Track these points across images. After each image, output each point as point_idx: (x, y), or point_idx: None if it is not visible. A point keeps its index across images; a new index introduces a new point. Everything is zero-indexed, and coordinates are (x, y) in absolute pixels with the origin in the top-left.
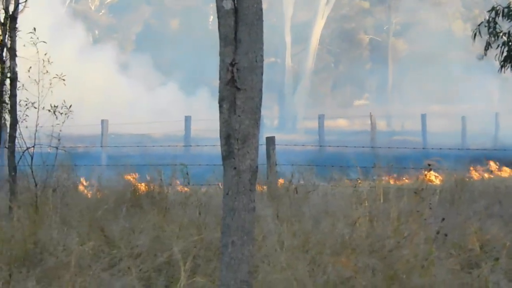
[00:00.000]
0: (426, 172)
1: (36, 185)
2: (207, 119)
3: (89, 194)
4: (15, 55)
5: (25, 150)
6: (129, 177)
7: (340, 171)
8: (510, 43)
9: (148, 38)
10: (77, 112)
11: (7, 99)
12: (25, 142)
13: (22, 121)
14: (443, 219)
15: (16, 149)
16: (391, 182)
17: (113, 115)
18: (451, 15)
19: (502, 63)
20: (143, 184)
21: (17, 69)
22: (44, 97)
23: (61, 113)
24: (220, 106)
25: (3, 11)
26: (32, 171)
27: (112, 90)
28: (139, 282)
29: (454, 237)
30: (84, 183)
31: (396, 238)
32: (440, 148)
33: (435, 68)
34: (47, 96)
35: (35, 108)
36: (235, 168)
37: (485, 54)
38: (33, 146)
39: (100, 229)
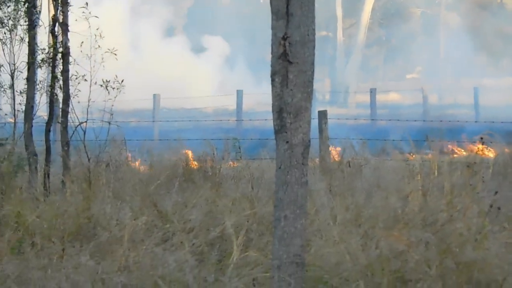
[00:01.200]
0: (479, 145)
1: (89, 160)
2: (259, 93)
3: (141, 169)
4: (67, 30)
5: (77, 125)
6: (181, 151)
7: (392, 144)
8: None
9: (199, 11)
10: (129, 87)
11: (59, 74)
12: (77, 117)
13: (74, 96)
14: (496, 192)
15: (68, 124)
16: (444, 155)
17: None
18: None
19: None
20: (195, 158)
21: (69, 44)
22: (96, 71)
23: (113, 88)
24: (272, 80)
25: None
26: (84, 146)
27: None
28: (192, 256)
29: (508, 210)
30: (137, 158)
31: (449, 212)
32: (493, 122)
33: (487, 41)
34: (99, 70)
35: (86, 80)
36: (287, 142)
37: None
38: (86, 121)
39: (152, 204)
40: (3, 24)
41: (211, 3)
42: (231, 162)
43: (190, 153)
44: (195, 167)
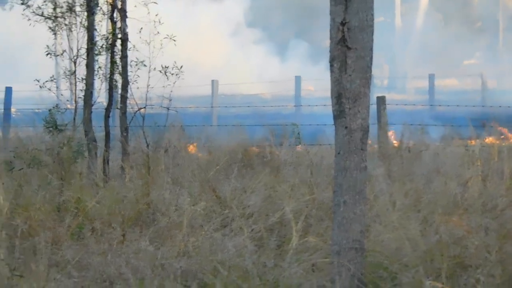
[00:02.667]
0: None
1: (147, 145)
2: (317, 79)
3: (200, 155)
4: (126, 16)
5: (136, 111)
6: (240, 137)
7: (451, 130)
8: None
9: None
10: (187, 73)
11: (118, 60)
12: (136, 103)
13: (133, 82)
14: None
15: (127, 110)
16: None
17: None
18: None
19: None
20: (254, 144)
21: (128, 30)
22: (155, 57)
23: (172, 74)
24: (331, 66)
25: None
26: (143, 132)
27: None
28: (251, 242)
29: None
30: (195, 144)
31: (509, 197)
32: None
33: None
34: (158, 56)
35: (145, 66)
36: (346, 127)
37: None
38: (145, 107)
39: (211, 189)
40: (71, 9)
41: None
42: (290, 148)
43: (249, 138)
44: (254, 152)
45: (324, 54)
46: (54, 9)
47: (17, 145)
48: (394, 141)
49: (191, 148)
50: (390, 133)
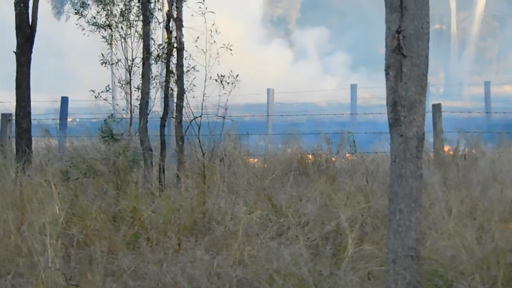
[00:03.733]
0: None
1: (203, 154)
2: (372, 87)
3: (255, 163)
4: (182, 26)
5: (192, 120)
6: (296, 145)
7: (507, 137)
8: None
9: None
10: (243, 81)
11: (174, 69)
12: (192, 112)
13: (189, 91)
14: None
15: (183, 119)
16: None
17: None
18: None
19: None
20: (310, 152)
21: (184, 39)
22: (211, 66)
23: (228, 83)
24: (387, 74)
25: None
26: (199, 141)
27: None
28: (307, 250)
29: None
30: (251, 152)
31: None
32: None
33: None
34: (214, 65)
35: (197, 71)
36: (401, 135)
37: None
38: (200, 116)
39: (267, 198)
40: (124, 18)
41: None
42: (346, 156)
43: (305, 147)
44: (309, 161)
45: (381, 62)
46: (108, 18)
47: (73, 155)
48: (450, 149)
49: (247, 157)
50: (445, 141)
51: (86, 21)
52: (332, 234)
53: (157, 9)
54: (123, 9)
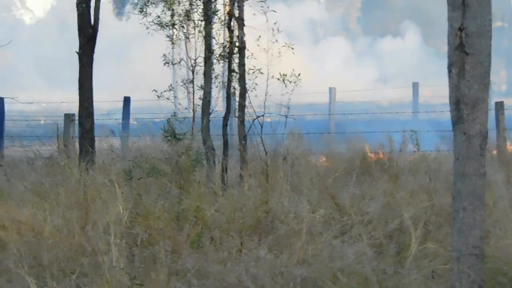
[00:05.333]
0: None
1: (266, 153)
2: (435, 85)
3: (318, 162)
4: (243, 25)
5: (254, 119)
6: (358, 144)
7: None
8: None
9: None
10: (305, 80)
11: (236, 69)
12: (254, 111)
13: (251, 90)
14: None
15: (245, 118)
16: None
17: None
18: None
19: None
20: (372, 151)
21: (245, 38)
22: (273, 66)
23: (290, 82)
24: (449, 72)
25: None
26: (262, 140)
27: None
28: (370, 248)
29: None
30: (313, 151)
31: None
32: None
33: None
34: (276, 64)
35: (262, 73)
36: (465, 133)
37: None
38: (263, 115)
39: (330, 197)
40: (188, 18)
41: None
42: (408, 154)
43: (367, 145)
44: (372, 159)
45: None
46: (172, 17)
47: (136, 155)
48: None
49: (310, 156)
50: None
51: (150, 20)
52: (395, 233)
53: (219, 9)
54: (187, 9)
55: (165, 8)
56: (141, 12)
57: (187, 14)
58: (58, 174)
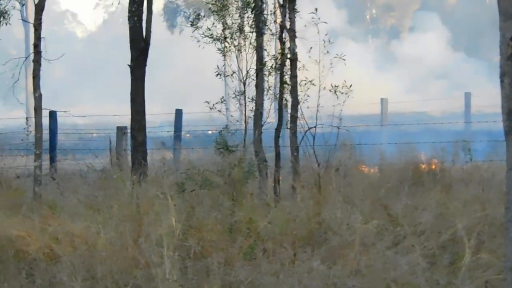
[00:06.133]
0: None
1: (318, 165)
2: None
3: (371, 173)
4: (295, 36)
5: (307, 130)
6: (410, 155)
7: None
8: None
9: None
10: (356, 91)
11: (288, 80)
12: (306, 122)
13: (303, 102)
14: None
15: (298, 129)
16: None
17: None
18: None
19: None
20: (424, 161)
21: (297, 50)
22: (325, 77)
23: (342, 93)
24: (501, 81)
25: None
26: (314, 151)
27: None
28: (423, 259)
29: None
30: (366, 162)
31: None
32: None
33: None
34: (328, 76)
35: (314, 85)
36: None
37: None
38: (315, 126)
39: (383, 207)
40: (239, 30)
41: (437, 5)
42: (461, 164)
43: (419, 156)
44: (424, 170)
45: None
46: (223, 30)
47: (189, 167)
48: None
49: (362, 167)
50: None
51: (201, 33)
52: (448, 243)
53: (270, 21)
54: (238, 21)
55: (215, 21)
56: (192, 25)
57: (238, 26)
58: (111, 187)
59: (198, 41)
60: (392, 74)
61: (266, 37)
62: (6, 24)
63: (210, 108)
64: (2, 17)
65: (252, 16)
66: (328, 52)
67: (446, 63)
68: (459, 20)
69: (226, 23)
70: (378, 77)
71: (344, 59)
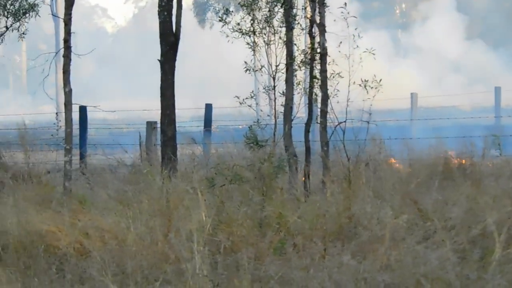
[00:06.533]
0: None
1: (348, 159)
2: None
3: (400, 168)
4: (325, 31)
5: (337, 125)
6: (440, 149)
7: None
8: None
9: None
10: (386, 86)
11: (318, 75)
12: (336, 117)
13: (333, 96)
14: None
15: (327, 124)
16: None
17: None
18: None
19: None
20: (454, 156)
21: (327, 44)
22: (354, 71)
23: (372, 87)
24: None
25: None
26: (344, 146)
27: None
28: (453, 254)
29: None
30: (395, 157)
31: None
32: None
33: None
34: (357, 70)
35: (342, 77)
36: None
37: None
38: (345, 121)
39: (413, 202)
40: (268, 24)
41: None
42: (491, 159)
43: (449, 151)
44: (454, 165)
45: None
46: (252, 24)
47: (218, 162)
48: None
49: (392, 161)
50: None
51: (230, 28)
52: (478, 238)
53: (300, 15)
54: (268, 15)
55: (245, 15)
56: (220, 20)
57: (267, 21)
58: (141, 182)
59: (227, 36)
60: (416, 67)
61: (295, 32)
62: (36, 16)
63: (240, 103)
64: (31, 10)
65: (282, 10)
66: (357, 46)
67: (482, 58)
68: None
69: (255, 18)
70: (403, 71)
71: (373, 53)
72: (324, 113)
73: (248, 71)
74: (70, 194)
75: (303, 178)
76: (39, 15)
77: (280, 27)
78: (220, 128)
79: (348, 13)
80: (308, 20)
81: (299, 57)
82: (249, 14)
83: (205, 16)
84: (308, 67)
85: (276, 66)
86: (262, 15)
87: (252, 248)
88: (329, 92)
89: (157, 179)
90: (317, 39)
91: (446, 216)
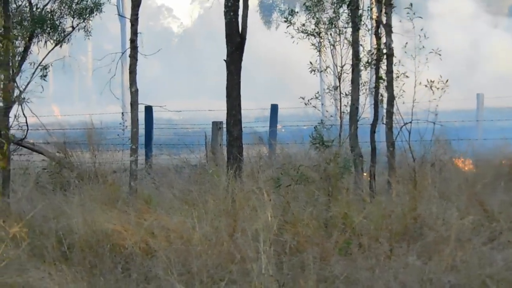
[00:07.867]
0: None
1: (414, 160)
2: None
3: (466, 168)
4: (391, 31)
5: (402, 126)
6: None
7: None
8: None
9: None
10: (452, 86)
11: (383, 75)
12: (402, 118)
13: (399, 97)
14: None
15: (393, 124)
16: None
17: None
18: None
19: None
20: None
21: (393, 45)
22: (421, 72)
23: (438, 88)
24: None
25: None
26: (409, 146)
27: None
28: None
29: None
30: (461, 158)
31: None
32: None
33: None
34: (423, 71)
35: (407, 77)
36: None
37: None
38: (411, 122)
39: (479, 203)
40: (333, 25)
41: None
42: None
43: None
44: None
45: None
46: (317, 25)
47: (284, 162)
48: None
49: (458, 162)
50: None
51: (296, 29)
52: None
53: (366, 16)
54: (333, 16)
55: (309, 17)
56: (286, 21)
57: (332, 22)
58: (206, 182)
59: (292, 36)
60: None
61: (361, 32)
62: (100, 13)
63: (305, 104)
64: (96, 9)
65: (348, 11)
66: (423, 47)
67: None
68: None
69: (321, 19)
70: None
71: (439, 54)
72: (390, 113)
73: (313, 72)
74: (135, 193)
75: (369, 179)
76: (104, 12)
77: (345, 27)
78: (286, 128)
79: (414, 13)
80: (374, 21)
81: (364, 58)
82: (314, 16)
83: (271, 17)
84: (374, 67)
85: (341, 66)
86: (326, 17)
87: (318, 248)
88: (394, 92)
89: (222, 179)
90: (383, 39)
91: None
